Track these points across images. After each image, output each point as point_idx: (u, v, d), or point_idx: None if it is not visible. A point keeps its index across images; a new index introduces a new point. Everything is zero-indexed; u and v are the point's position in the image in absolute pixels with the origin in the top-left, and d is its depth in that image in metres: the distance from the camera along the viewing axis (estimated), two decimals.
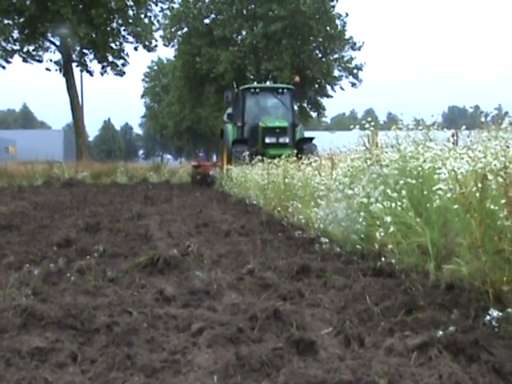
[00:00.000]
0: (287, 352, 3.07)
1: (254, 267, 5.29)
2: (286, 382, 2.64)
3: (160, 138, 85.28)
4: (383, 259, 5.39)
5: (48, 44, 37.65)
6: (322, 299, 4.32)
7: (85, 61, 37.87)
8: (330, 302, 4.24)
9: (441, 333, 3.19)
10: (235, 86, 23.22)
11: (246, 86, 22.59)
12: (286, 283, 4.83)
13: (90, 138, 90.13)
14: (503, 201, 3.80)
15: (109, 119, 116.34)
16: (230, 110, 23.51)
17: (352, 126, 7.21)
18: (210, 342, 3.31)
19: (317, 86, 43.13)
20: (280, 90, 22.29)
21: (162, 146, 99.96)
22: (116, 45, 37.47)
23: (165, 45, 42.04)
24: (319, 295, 4.45)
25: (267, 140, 19.71)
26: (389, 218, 5.40)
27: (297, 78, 24.15)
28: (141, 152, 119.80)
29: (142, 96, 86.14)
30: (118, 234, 8.17)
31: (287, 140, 20.00)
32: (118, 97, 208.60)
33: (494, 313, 3.48)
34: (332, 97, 44.54)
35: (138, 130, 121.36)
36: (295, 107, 22.92)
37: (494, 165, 3.90)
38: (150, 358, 3.09)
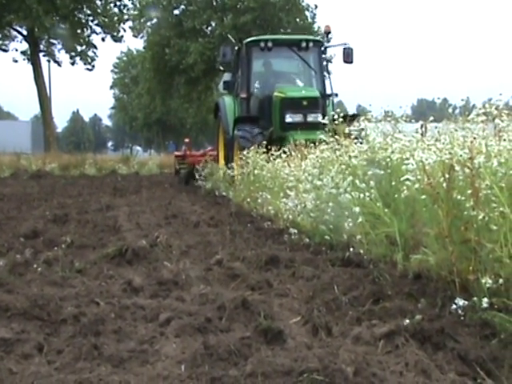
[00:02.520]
0: (255, 341, 3.08)
1: (222, 258, 5.29)
2: (253, 371, 2.64)
3: (129, 129, 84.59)
4: (352, 249, 5.43)
5: (14, 33, 37.16)
6: (291, 289, 4.33)
7: (52, 51, 37.45)
8: (299, 292, 4.25)
9: (408, 321, 3.22)
10: (235, 40, 16.18)
11: (253, 39, 15.29)
12: (254, 273, 4.83)
13: (59, 130, 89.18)
14: (470, 191, 3.83)
15: (77, 110, 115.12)
16: (227, 76, 16.80)
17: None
18: (177, 331, 3.31)
19: None
20: (303, 44, 14.89)
21: (131, 138, 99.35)
22: (83, 35, 37.07)
23: (134, 36, 41.70)
24: (288, 285, 4.46)
25: (289, 118, 13.16)
26: (357, 209, 5.42)
27: (327, 26, 16.66)
28: (110, 144, 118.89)
29: (111, 87, 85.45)
30: (86, 225, 8.10)
31: (320, 118, 12.22)
32: (86, 88, 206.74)
33: (460, 302, 3.52)
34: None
35: (107, 122, 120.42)
36: (325, 70, 15.27)
37: (461, 155, 3.93)
38: (117, 347, 3.08)
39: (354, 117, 11.18)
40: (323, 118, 11.31)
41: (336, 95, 14.90)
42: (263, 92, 14.55)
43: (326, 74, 15.07)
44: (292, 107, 13.12)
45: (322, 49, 15.39)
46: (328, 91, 14.72)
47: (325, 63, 15.31)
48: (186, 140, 20.47)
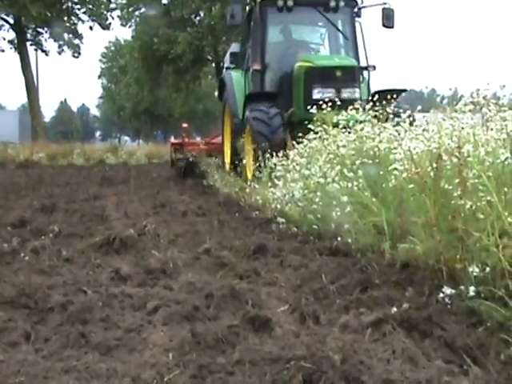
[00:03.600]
0: (243, 329, 3.08)
1: (210, 247, 5.29)
2: (241, 359, 2.65)
3: (117, 119, 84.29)
4: (339, 239, 5.43)
5: (1, 22, 36.85)
6: (278, 278, 4.33)
7: (40, 40, 37.18)
8: (286, 281, 4.26)
9: (395, 310, 3.23)
10: None
11: None
12: (242, 262, 4.83)
13: (46, 119, 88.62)
14: (457, 180, 3.84)
15: (65, 100, 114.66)
16: (234, 47, 14.13)
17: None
18: (165, 319, 3.31)
19: None
20: (332, 3, 11.92)
21: (119, 128, 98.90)
22: (71, 24, 36.79)
23: (122, 25, 41.47)
24: (275, 274, 4.46)
25: (317, 94, 10.29)
26: (345, 198, 5.43)
27: None
28: (98, 133, 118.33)
29: (99, 77, 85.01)
30: (73, 214, 8.07)
31: (357, 94, 10.36)
32: (74, 78, 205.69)
33: (448, 290, 3.53)
34: None
35: (95, 112, 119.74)
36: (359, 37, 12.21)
37: (449, 144, 3.93)
38: (104, 336, 3.07)
39: (398, 93, 9.76)
40: (360, 95, 10.26)
41: (374, 68, 11.83)
42: (281, 63, 11.81)
43: (360, 41, 12.18)
44: (321, 80, 10.42)
45: (356, 10, 12.23)
46: (363, 63, 11.89)
47: (359, 28, 12.28)
48: (184, 125, 17.15)
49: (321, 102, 7.96)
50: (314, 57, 11.47)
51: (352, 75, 10.65)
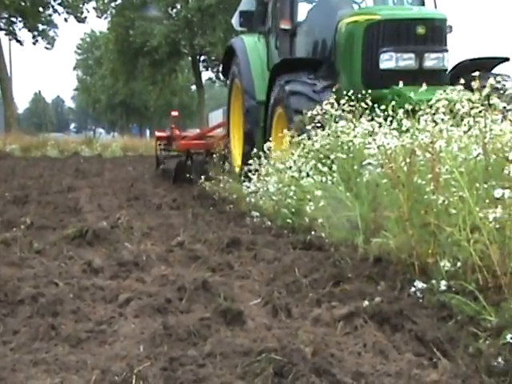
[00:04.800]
0: (215, 322, 3.07)
1: (184, 240, 5.28)
2: (212, 351, 2.64)
3: (92, 111, 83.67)
4: (313, 233, 5.44)
5: None
6: (252, 271, 4.33)
7: (14, 29, 36.72)
8: (260, 274, 4.26)
9: (367, 303, 3.24)
10: None
11: None
12: (215, 256, 4.83)
13: (20, 111, 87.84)
14: (430, 176, 3.86)
15: (39, 92, 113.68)
16: (245, 4, 10.65)
17: None
18: (137, 312, 3.30)
19: None
20: None
21: (94, 120, 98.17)
22: (45, 14, 36.38)
23: (98, 16, 41.14)
24: (249, 267, 4.46)
25: (387, 62, 7.57)
26: (319, 192, 5.44)
27: None
28: (73, 125, 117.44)
29: (75, 68, 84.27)
30: (46, 206, 8.00)
31: (446, 61, 7.72)
32: (49, 69, 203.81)
33: (419, 284, 3.56)
34: None
35: (70, 104, 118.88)
36: None
37: (422, 139, 3.95)
38: (75, 328, 3.05)
39: (500, 62, 7.68)
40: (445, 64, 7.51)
41: (450, 29, 8.12)
42: (318, 21, 8.80)
43: None
44: (395, 40, 7.49)
45: None
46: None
47: None
48: (174, 113, 14.04)
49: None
50: (377, 7, 8.58)
51: (440, 33, 7.62)
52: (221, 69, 11.72)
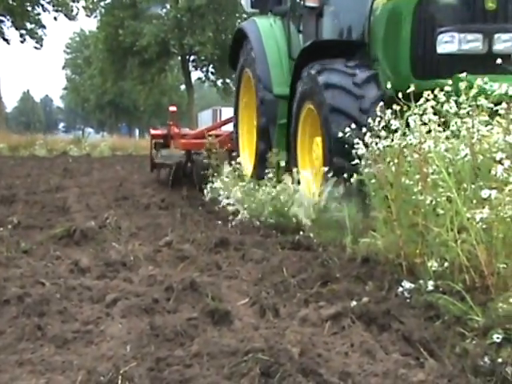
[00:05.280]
0: (202, 322, 3.07)
1: (172, 240, 5.27)
2: (199, 351, 2.63)
3: (81, 110, 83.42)
4: (301, 233, 5.45)
5: None
6: (240, 271, 4.33)
7: (1, 28, 36.54)
8: (248, 274, 4.25)
9: (354, 303, 3.25)
10: None
11: None
12: (203, 256, 4.82)
13: (8, 110, 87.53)
14: (418, 176, 3.87)
15: (28, 91, 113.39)
16: None
17: None
18: (124, 312, 3.28)
19: None
20: None
21: (83, 120, 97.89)
22: (34, 13, 36.20)
23: (87, 15, 41.02)
24: (237, 267, 4.46)
25: (447, 44, 6.11)
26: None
27: None
28: (61, 125, 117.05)
29: (64, 68, 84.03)
30: (34, 206, 7.96)
31: None
32: (38, 68, 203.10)
33: (407, 284, 3.57)
34: None
35: (58, 103, 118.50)
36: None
37: (410, 140, 3.96)
38: (61, 328, 3.04)
39: None
40: None
41: None
42: None
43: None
44: (456, 16, 6.18)
45: None
46: None
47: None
48: (172, 108, 12.34)
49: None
50: None
51: None
52: (228, 57, 9.88)
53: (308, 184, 6.47)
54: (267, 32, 8.59)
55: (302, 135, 6.90)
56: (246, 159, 8.92)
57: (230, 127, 10.77)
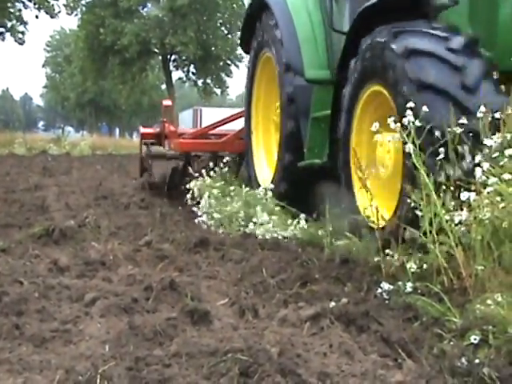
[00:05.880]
0: (181, 322, 3.06)
1: (151, 239, 5.25)
2: (178, 351, 2.63)
3: (61, 109, 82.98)
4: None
5: None
6: (219, 271, 4.32)
7: None
8: (227, 275, 4.25)
9: (333, 304, 3.26)
10: None
11: None
12: (183, 255, 4.81)
13: None
14: None
15: (7, 88, 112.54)
16: None
17: None
18: (103, 311, 3.27)
19: (221, 63, 43.09)
20: None
21: (63, 118, 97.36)
22: (15, 10, 35.94)
23: (68, 13, 40.80)
24: (216, 268, 4.45)
25: None
26: None
27: None
28: (41, 123, 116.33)
29: (44, 66, 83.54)
30: (12, 204, 7.89)
31: None
32: (17, 66, 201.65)
33: (386, 286, 3.58)
34: (232, 77, 44.82)
35: (38, 101, 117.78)
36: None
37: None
38: (39, 327, 3.02)
39: None
40: None
41: None
42: None
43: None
44: None
45: None
46: None
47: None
48: (167, 102, 11.05)
49: None
50: None
51: None
52: (239, 36, 8.41)
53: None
54: (296, 1, 6.87)
55: (358, 132, 5.08)
56: (261, 166, 7.42)
57: (231, 125, 9.41)
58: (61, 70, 75.73)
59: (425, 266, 3.57)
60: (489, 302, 2.90)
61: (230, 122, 9.48)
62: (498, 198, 3.25)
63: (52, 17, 36.80)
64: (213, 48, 41.41)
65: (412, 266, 3.58)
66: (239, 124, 8.71)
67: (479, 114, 3.60)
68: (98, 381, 2.32)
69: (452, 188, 3.47)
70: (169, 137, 9.45)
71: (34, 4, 36.09)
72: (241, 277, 4.15)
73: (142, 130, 10.57)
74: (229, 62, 43.48)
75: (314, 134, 6.16)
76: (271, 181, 6.74)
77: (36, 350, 2.74)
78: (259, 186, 6.62)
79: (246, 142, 7.82)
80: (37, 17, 36.60)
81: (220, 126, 9.56)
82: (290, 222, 5.67)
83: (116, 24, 39.33)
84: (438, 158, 3.63)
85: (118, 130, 77.41)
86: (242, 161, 8.25)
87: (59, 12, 36.91)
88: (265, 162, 7.42)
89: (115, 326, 3.02)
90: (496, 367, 2.38)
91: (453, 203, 3.40)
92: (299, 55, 6.56)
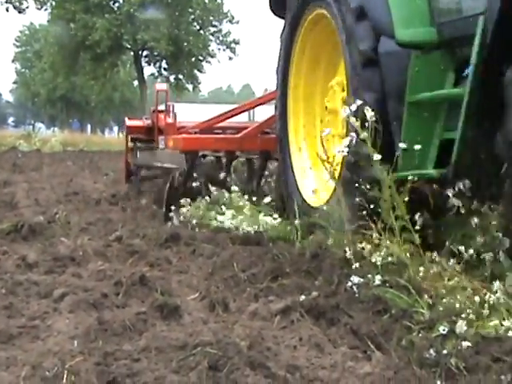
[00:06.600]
0: (151, 316, 3.05)
1: (122, 235, 5.22)
2: (147, 346, 2.62)
3: (32, 105, 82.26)
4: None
5: None
6: (190, 266, 4.32)
7: None
8: (198, 269, 4.24)
9: (304, 298, 3.27)
10: None
11: None
12: (154, 250, 4.78)
13: None
14: None
15: None
16: None
17: None
18: (72, 307, 3.24)
19: (193, 59, 43.00)
20: None
21: (33, 115, 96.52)
22: None
23: (37, 8, 40.42)
24: (187, 262, 4.44)
25: None
26: None
27: None
28: (11, 119, 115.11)
29: (13, 61, 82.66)
30: None
31: None
32: None
33: (355, 279, 3.59)
34: (205, 73, 44.82)
35: (8, 97, 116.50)
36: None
37: None
38: (6, 323, 2.98)
39: None
40: None
41: None
42: None
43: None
44: None
45: None
46: None
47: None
48: (161, 86, 9.23)
49: None
50: None
51: None
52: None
53: None
54: None
55: None
56: (306, 177, 5.36)
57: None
58: (31, 66, 75.00)
59: (390, 259, 3.60)
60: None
61: (245, 110, 7.98)
62: None
63: (20, 12, 36.39)
64: (185, 44, 41.28)
65: (377, 259, 3.61)
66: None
67: None
68: (65, 376, 2.30)
69: None
70: (165, 131, 7.42)
71: None
72: (212, 271, 4.14)
73: (129, 122, 8.58)
74: (201, 57, 43.38)
75: (413, 128, 4.10)
76: (327, 201, 4.74)
77: (3, 347, 2.71)
78: (303, 209, 4.93)
79: (277, 142, 5.71)
80: (7, 10, 36.17)
81: (230, 117, 7.59)
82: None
83: (87, 19, 39.01)
84: None
85: (89, 127, 76.85)
86: (266, 164, 6.73)
87: (27, 7, 36.53)
88: (311, 172, 5.32)
89: (84, 321, 3.00)
90: (463, 358, 2.40)
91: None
92: (387, 8, 4.27)
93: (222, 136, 7.24)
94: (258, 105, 7.51)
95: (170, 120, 7.62)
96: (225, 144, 6.79)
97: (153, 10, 38.99)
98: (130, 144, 8.44)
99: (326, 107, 5.12)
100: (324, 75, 5.38)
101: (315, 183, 5.17)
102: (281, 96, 5.64)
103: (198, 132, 7.25)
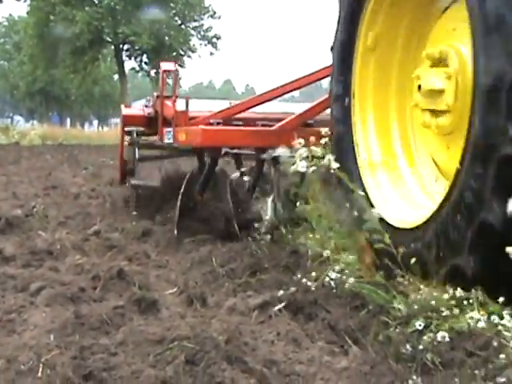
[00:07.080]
0: (128, 310, 3.04)
1: (100, 229, 5.21)
2: (124, 340, 2.61)
3: (10, 98, 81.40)
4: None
5: None
6: (169, 261, 4.32)
7: None
8: (177, 264, 4.25)
9: (282, 293, 3.27)
10: None
11: None
12: (132, 245, 4.78)
13: None
14: None
15: None
16: None
17: None
18: (48, 301, 3.23)
19: (174, 53, 42.81)
20: None
21: (12, 107, 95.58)
22: None
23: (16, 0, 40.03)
24: (166, 257, 4.44)
25: None
26: None
27: None
28: None
29: None
30: None
31: None
32: None
33: (333, 275, 3.61)
34: (185, 67, 44.76)
35: None
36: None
37: None
38: None
39: None
40: None
41: None
42: None
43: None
44: None
45: None
46: None
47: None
48: (167, 66, 6.88)
49: None
50: None
51: None
52: None
53: None
54: None
55: None
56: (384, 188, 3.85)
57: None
58: (10, 58, 74.25)
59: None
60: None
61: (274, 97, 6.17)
62: None
63: None
64: (166, 38, 41.10)
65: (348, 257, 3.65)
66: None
67: None
68: (41, 369, 2.29)
69: None
70: (175, 122, 5.84)
71: None
72: (190, 266, 4.15)
73: (125, 111, 7.05)
74: (182, 52, 43.21)
75: None
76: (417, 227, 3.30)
77: None
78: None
79: (334, 138, 4.17)
80: None
81: (254, 106, 6.10)
82: None
83: (67, 12, 38.66)
84: None
85: (69, 120, 76.32)
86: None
87: None
88: (386, 181, 3.87)
89: (61, 315, 2.98)
90: (439, 353, 2.42)
91: None
92: None
93: (253, 129, 5.57)
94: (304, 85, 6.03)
95: (180, 108, 5.93)
96: (257, 139, 5.25)
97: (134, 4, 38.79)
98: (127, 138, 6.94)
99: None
100: (416, 42, 3.81)
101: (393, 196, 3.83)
102: (340, 69, 4.06)
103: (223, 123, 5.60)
